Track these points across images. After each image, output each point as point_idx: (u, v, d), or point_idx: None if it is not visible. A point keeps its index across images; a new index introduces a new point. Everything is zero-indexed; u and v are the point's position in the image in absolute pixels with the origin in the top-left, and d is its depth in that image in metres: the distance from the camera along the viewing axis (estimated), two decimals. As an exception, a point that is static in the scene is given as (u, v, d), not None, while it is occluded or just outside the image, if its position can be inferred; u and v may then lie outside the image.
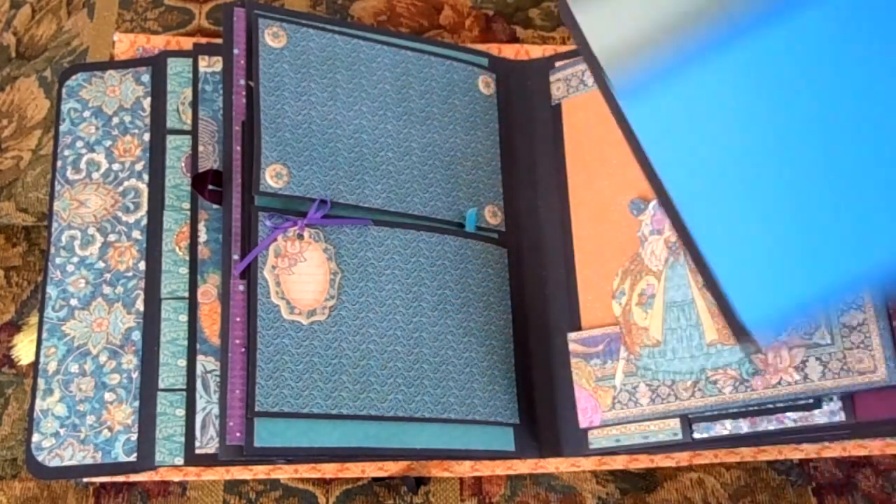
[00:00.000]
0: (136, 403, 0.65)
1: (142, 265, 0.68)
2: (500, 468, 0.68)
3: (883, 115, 0.45)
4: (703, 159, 0.49)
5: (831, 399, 0.60)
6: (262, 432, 0.60)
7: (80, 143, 0.72)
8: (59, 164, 0.71)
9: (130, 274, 0.68)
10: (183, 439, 0.63)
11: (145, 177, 0.70)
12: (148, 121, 0.72)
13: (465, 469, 0.68)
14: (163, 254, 0.68)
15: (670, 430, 0.62)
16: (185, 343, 0.66)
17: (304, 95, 0.66)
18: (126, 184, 0.70)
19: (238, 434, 0.60)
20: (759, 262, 0.48)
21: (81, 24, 0.80)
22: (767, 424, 0.61)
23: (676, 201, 0.50)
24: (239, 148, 0.65)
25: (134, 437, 0.65)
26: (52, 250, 0.69)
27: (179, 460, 0.63)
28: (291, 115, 0.65)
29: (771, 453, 0.67)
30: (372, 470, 0.67)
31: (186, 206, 0.69)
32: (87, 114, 0.72)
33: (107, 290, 0.68)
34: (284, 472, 0.67)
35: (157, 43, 0.76)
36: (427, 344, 0.65)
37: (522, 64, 0.75)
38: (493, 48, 0.77)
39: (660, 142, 0.50)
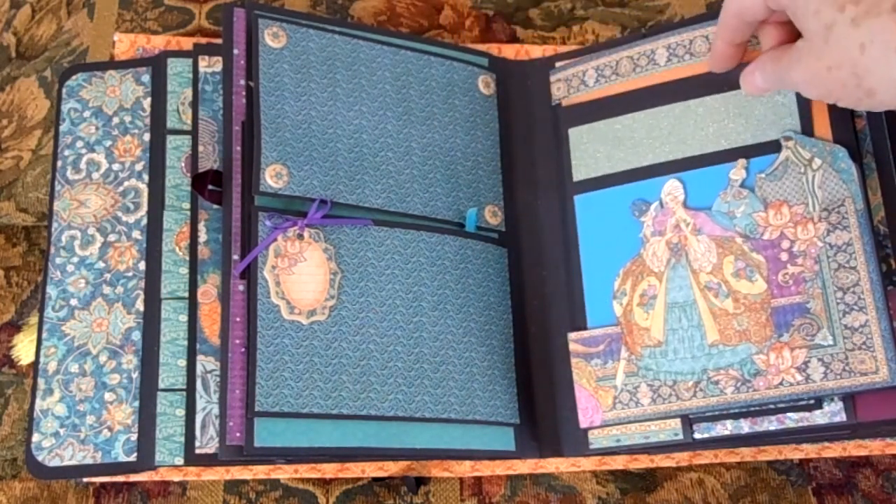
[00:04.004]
0: (136, 403, 0.65)
1: (142, 265, 0.68)
2: (500, 468, 0.68)
3: None
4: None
5: (832, 399, 0.60)
6: (261, 432, 0.60)
7: (80, 143, 0.72)
8: (59, 164, 0.71)
9: (130, 274, 0.68)
10: (183, 439, 0.63)
11: (145, 177, 0.70)
12: (148, 121, 0.72)
13: (465, 469, 0.68)
14: (163, 254, 0.68)
15: (671, 430, 0.62)
16: (185, 343, 0.65)
17: (304, 95, 0.66)
18: (126, 184, 0.70)
19: (238, 434, 0.60)
20: None
21: (81, 24, 0.80)
22: (768, 425, 0.61)
23: None
24: (239, 148, 0.65)
25: (134, 437, 0.65)
26: (52, 250, 0.69)
27: (179, 460, 0.63)
28: (291, 115, 0.65)
29: (771, 453, 0.67)
30: (372, 470, 0.67)
31: (186, 206, 0.69)
32: (87, 114, 0.72)
33: (107, 290, 0.68)
34: (284, 472, 0.67)
35: (157, 43, 0.76)
36: (427, 344, 0.65)
37: (522, 64, 0.75)
38: (493, 48, 0.76)
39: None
